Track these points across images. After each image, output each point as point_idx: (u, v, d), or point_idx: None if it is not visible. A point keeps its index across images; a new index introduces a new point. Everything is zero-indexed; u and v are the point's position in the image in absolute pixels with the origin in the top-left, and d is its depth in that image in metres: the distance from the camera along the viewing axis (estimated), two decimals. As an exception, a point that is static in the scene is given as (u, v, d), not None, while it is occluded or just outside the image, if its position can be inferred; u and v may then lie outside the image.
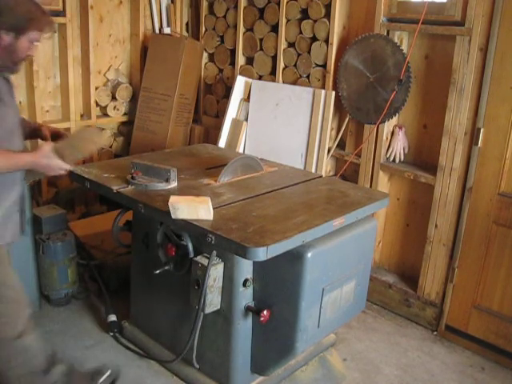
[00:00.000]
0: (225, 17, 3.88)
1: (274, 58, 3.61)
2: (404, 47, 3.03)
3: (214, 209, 2.21)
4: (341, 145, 3.48)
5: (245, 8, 3.71)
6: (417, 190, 3.21)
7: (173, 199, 2.14)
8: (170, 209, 2.10)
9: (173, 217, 2.11)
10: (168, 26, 4.11)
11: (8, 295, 2.09)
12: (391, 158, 3.20)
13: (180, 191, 2.48)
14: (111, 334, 2.84)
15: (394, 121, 3.19)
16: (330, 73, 3.31)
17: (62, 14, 3.46)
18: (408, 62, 2.97)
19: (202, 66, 4.11)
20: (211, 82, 4.11)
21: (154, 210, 2.28)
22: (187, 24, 4.24)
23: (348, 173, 3.47)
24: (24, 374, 2.17)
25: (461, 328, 2.99)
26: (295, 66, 3.51)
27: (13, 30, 1.87)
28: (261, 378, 2.49)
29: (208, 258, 2.16)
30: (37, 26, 1.91)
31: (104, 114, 3.98)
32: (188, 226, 2.13)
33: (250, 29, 3.74)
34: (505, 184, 2.74)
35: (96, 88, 3.82)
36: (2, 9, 1.82)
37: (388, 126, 3.18)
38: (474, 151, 2.80)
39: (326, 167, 3.45)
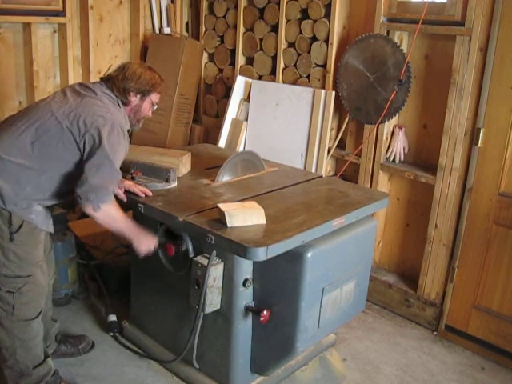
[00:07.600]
0: (225, 17, 3.88)
1: (274, 58, 3.61)
2: (404, 47, 3.03)
3: (212, 209, 2.22)
4: (341, 145, 3.48)
5: (245, 8, 3.71)
6: (417, 190, 3.21)
7: (225, 207, 2.06)
8: (226, 217, 2.03)
9: (228, 225, 2.04)
10: (168, 25, 4.10)
11: (38, 276, 2.19)
12: (391, 158, 3.20)
13: (180, 191, 2.49)
14: (111, 334, 2.84)
15: (393, 121, 3.18)
16: (330, 73, 3.31)
17: (62, 13, 3.45)
18: (408, 62, 2.96)
19: (202, 66, 4.11)
20: (211, 82, 4.11)
21: (153, 209, 2.28)
22: (187, 24, 4.23)
23: (348, 173, 3.47)
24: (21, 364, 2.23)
25: (461, 328, 2.99)
26: (295, 66, 3.51)
27: (139, 93, 2.25)
28: (261, 378, 2.49)
29: (208, 258, 2.15)
30: (157, 89, 2.29)
31: (104, 113, 3.97)
32: (188, 226, 2.14)
33: (250, 29, 3.74)
34: (505, 184, 2.74)
35: (96, 88, 3.81)
36: (132, 76, 2.22)
37: (388, 126, 3.17)
38: (474, 151, 2.80)
39: (326, 167, 3.45)
